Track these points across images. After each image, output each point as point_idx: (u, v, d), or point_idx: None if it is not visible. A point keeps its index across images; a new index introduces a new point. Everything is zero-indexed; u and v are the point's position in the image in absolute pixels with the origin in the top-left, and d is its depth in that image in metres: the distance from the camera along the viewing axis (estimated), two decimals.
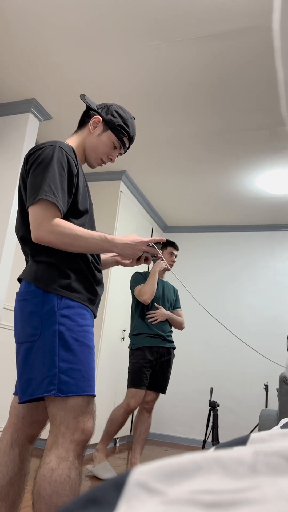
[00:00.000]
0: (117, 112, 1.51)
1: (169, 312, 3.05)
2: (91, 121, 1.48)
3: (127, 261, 1.50)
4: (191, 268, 5.35)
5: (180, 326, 3.16)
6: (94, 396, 1.25)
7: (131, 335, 3.03)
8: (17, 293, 1.31)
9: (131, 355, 2.99)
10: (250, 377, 4.73)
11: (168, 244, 3.21)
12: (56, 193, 1.24)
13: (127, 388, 2.91)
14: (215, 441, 3.48)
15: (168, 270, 3.18)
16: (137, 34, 2.52)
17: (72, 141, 1.49)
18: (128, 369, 2.97)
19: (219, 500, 0.24)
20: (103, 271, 3.89)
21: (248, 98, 2.96)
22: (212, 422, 3.53)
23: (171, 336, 3.08)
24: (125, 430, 4.37)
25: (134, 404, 2.83)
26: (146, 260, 1.44)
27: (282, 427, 0.59)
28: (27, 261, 1.37)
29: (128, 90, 3.02)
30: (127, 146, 1.53)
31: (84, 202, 1.38)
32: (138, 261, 1.46)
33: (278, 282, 4.95)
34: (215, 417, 3.55)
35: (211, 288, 5.18)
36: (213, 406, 3.61)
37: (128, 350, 3.09)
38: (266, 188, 4.21)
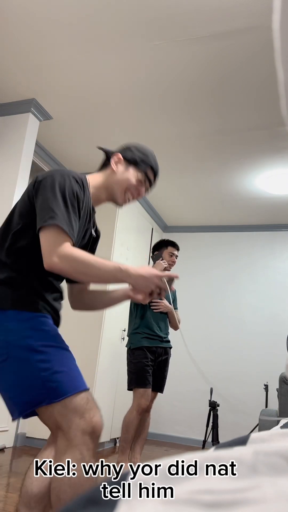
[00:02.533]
0: (136, 148, 1.50)
1: (171, 307, 3.07)
2: (112, 160, 1.45)
3: (140, 296, 1.40)
4: (191, 268, 5.35)
5: (176, 326, 3.18)
6: (88, 389, 1.26)
7: (129, 334, 3.04)
8: None
9: (131, 354, 2.99)
10: (250, 377, 4.73)
11: (169, 244, 3.22)
12: (69, 222, 1.23)
13: (133, 388, 2.91)
14: (215, 441, 3.48)
15: (168, 270, 3.18)
16: (137, 34, 2.52)
17: (93, 178, 1.46)
18: (130, 369, 2.97)
19: (219, 500, 0.24)
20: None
21: (248, 98, 2.96)
22: (212, 422, 3.53)
23: (168, 336, 3.10)
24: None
25: (144, 403, 2.85)
26: (159, 295, 1.37)
27: (282, 427, 0.59)
28: None
29: (128, 90, 3.02)
30: (153, 180, 1.51)
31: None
32: (150, 295, 1.37)
33: (278, 282, 4.95)
34: (215, 417, 3.55)
35: (211, 288, 5.18)
36: (213, 406, 3.61)
37: (126, 348, 3.09)
38: (266, 188, 4.21)
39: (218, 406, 3.66)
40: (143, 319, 3.01)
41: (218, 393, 4.75)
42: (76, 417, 1.18)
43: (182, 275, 5.40)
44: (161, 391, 3.04)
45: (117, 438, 4.22)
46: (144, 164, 1.47)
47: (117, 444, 4.23)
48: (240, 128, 3.30)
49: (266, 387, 4.25)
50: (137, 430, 2.96)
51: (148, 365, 2.91)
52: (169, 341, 3.10)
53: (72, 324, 3.90)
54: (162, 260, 3.09)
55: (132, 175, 1.45)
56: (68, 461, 1.15)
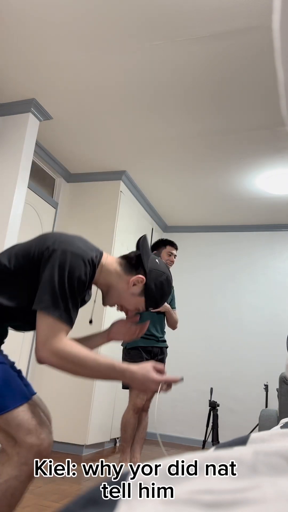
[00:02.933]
0: (162, 284, 1.41)
1: (168, 306, 3.08)
2: (134, 278, 1.37)
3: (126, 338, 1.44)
4: (191, 268, 5.35)
5: (174, 325, 3.19)
6: (29, 399, 1.24)
7: None
8: None
9: (126, 354, 3.01)
10: (250, 377, 4.73)
11: (167, 243, 3.21)
12: (70, 315, 1.21)
13: (129, 388, 2.92)
14: (215, 441, 3.48)
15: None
16: (137, 34, 2.52)
17: (109, 265, 1.39)
18: None
19: (219, 500, 0.24)
20: None
21: (248, 98, 2.96)
22: (212, 422, 3.53)
23: (164, 336, 3.12)
24: None
25: (140, 403, 2.89)
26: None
27: (282, 427, 0.59)
28: None
29: (128, 90, 3.02)
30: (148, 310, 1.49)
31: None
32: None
33: (278, 282, 4.95)
34: (215, 417, 3.55)
35: (211, 288, 5.18)
36: (213, 406, 3.61)
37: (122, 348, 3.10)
38: (266, 188, 4.21)
39: (218, 406, 3.66)
40: (139, 319, 2.99)
41: (218, 393, 4.75)
42: (21, 433, 1.18)
43: (182, 275, 5.43)
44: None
45: (117, 438, 4.22)
46: (154, 304, 1.44)
47: (117, 444, 4.23)
48: (240, 128, 3.30)
49: (266, 387, 4.25)
50: (135, 429, 2.97)
51: None
52: (165, 341, 3.11)
53: None
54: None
55: (138, 304, 1.42)
56: (5, 473, 1.16)
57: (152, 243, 3.32)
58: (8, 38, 2.66)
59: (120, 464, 2.87)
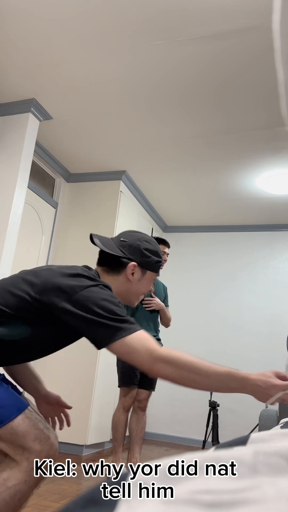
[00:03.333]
0: (147, 250, 1.41)
1: (163, 304, 3.09)
2: (128, 271, 1.38)
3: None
4: (191, 268, 5.35)
5: (168, 323, 3.20)
6: (28, 406, 1.24)
7: None
8: None
9: None
10: None
11: (160, 242, 3.20)
12: (126, 319, 1.19)
13: (119, 387, 2.95)
14: (215, 441, 3.48)
15: (161, 268, 3.16)
16: (137, 34, 2.52)
17: (106, 279, 1.41)
18: (118, 367, 3.00)
19: (219, 500, 0.24)
20: None
21: (248, 98, 2.96)
22: (212, 422, 3.53)
23: (158, 335, 3.13)
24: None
25: (128, 401, 2.91)
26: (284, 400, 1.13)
27: (282, 427, 0.59)
28: None
29: (128, 90, 3.02)
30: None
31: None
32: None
33: (278, 282, 4.95)
34: (215, 417, 3.55)
35: (211, 288, 5.18)
36: (213, 406, 3.61)
37: None
38: (266, 188, 4.21)
39: (218, 406, 3.66)
40: (134, 318, 3.02)
41: (218, 393, 4.75)
42: (29, 440, 1.17)
43: (182, 274, 5.43)
44: (153, 388, 3.05)
45: None
46: (158, 263, 1.43)
47: None
48: (240, 128, 3.30)
49: None
50: (134, 430, 2.97)
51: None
52: (159, 339, 3.12)
53: None
54: None
55: (148, 281, 1.42)
56: (10, 478, 1.15)
57: None
58: (8, 38, 2.66)
59: (112, 464, 2.86)
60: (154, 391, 3.10)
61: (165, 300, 3.25)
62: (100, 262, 1.43)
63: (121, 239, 1.44)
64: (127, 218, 4.37)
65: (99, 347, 1.14)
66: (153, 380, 3.03)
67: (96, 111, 3.30)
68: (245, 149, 3.58)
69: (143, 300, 3.00)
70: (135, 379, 2.92)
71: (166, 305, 3.24)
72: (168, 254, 3.22)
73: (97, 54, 2.71)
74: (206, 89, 2.92)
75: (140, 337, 1.12)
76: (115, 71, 2.84)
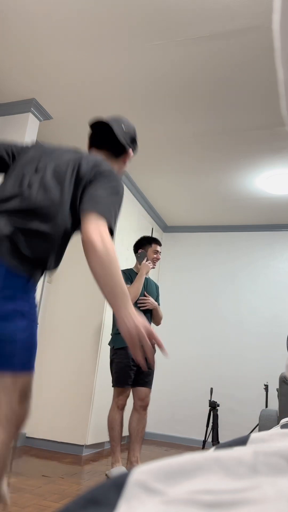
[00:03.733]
0: (136, 138, 1.66)
1: (156, 303, 3.14)
2: (127, 158, 1.63)
3: None
4: (191, 268, 5.35)
5: (159, 321, 3.25)
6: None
7: (114, 334, 3.07)
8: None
9: (113, 354, 3.04)
10: (250, 377, 4.73)
11: (153, 241, 3.22)
12: (115, 222, 1.30)
13: (113, 387, 2.98)
14: (215, 441, 3.48)
15: (154, 268, 3.25)
16: (137, 34, 2.52)
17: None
18: (112, 367, 3.02)
19: (219, 500, 0.24)
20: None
21: (248, 98, 2.96)
22: (212, 422, 3.53)
23: None
24: (124, 431, 4.37)
25: (123, 401, 2.93)
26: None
27: (282, 427, 0.58)
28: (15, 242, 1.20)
29: (128, 90, 3.02)
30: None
31: None
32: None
33: (278, 282, 4.95)
34: (215, 417, 3.55)
35: (211, 288, 5.18)
36: (213, 406, 3.61)
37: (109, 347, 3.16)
38: (266, 188, 4.21)
39: (218, 406, 3.66)
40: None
41: (218, 393, 4.75)
42: (27, 398, 1.21)
43: (182, 274, 5.42)
44: (149, 386, 3.07)
45: None
46: (137, 144, 1.69)
47: None
48: (240, 128, 3.30)
49: (266, 387, 4.25)
50: (134, 429, 2.96)
51: (129, 365, 2.95)
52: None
53: (73, 323, 3.90)
54: (147, 260, 3.14)
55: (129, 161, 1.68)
56: None
57: (136, 242, 3.33)
58: (8, 38, 2.66)
59: (114, 465, 2.86)
60: (151, 389, 3.11)
61: (157, 299, 3.29)
62: (101, 145, 1.59)
63: (124, 129, 1.59)
64: (127, 218, 4.37)
65: (92, 208, 1.24)
66: (149, 378, 3.06)
67: (96, 111, 3.30)
68: (245, 149, 3.58)
69: (138, 299, 3.05)
70: (129, 379, 2.94)
71: (158, 303, 3.27)
72: (160, 252, 3.26)
73: (97, 54, 2.71)
74: (206, 89, 2.92)
75: (106, 228, 1.23)
76: (115, 71, 2.84)
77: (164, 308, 5.27)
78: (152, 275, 5.16)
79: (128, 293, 1.19)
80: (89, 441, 3.57)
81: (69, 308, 3.97)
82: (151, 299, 3.11)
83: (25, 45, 2.70)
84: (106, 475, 2.93)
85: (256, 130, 3.30)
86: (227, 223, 5.27)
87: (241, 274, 5.12)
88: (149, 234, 5.02)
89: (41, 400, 3.76)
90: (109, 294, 1.18)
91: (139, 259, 3.18)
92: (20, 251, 1.20)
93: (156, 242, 3.24)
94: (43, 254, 1.25)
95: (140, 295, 3.11)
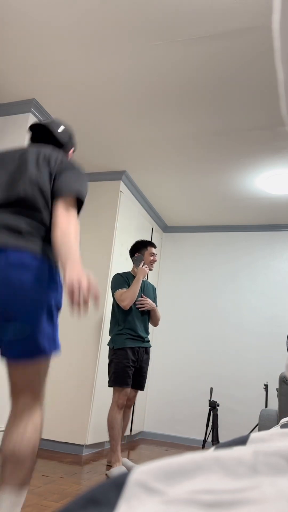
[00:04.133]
0: (72, 134, 1.89)
1: (154, 304, 3.24)
2: (70, 155, 1.88)
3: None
4: (191, 268, 5.35)
5: (157, 322, 3.37)
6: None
7: (113, 335, 3.16)
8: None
9: (113, 354, 3.11)
10: (250, 377, 4.73)
11: (148, 245, 3.33)
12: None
13: (114, 387, 3.04)
14: (215, 441, 3.48)
15: (151, 270, 3.36)
16: (137, 34, 2.52)
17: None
18: (111, 368, 3.09)
19: (219, 499, 0.24)
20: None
21: (248, 98, 2.96)
22: (212, 422, 3.53)
23: (148, 337, 3.26)
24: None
25: (122, 401, 3.01)
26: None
27: (282, 427, 0.58)
28: (18, 231, 1.43)
29: (128, 90, 3.02)
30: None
31: None
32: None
33: (278, 282, 4.95)
34: (215, 417, 3.55)
35: (211, 288, 5.18)
36: (213, 406, 3.61)
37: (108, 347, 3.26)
38: (266, 188, 4.21)
39: (218, 406, 3.66)
40: (127, 321, 3.15)
41: (218, 393, 4.75)
42: (43, 384, 1.44)
43: (181, 274, 5.43)
44: (142, 389, 3.21)
45: None
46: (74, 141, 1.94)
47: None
48: (240, 128, 3.30)
49: (266, 387, 4.25)
50: (121, 426, 3.09)
51: (128, 365, 3.04)
52: (149, 341, 3.26)
53: (72, 323, 3.90)
54: (143, 265, 3.25)
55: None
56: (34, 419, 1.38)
57: (131, 246, 3.43)
58: (8, 38, 2.66)
59: (114, 464, 2.91)
60: (143, 391, 3.29)
61: (154, 301, 3.38)
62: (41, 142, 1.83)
63: (61, 126, 1.84)
64: (127, 218, 4.37)
65: (68, 190, 1.51)
66: (143, 380, 3.19)
67: (96, 111, 3.30)
68: (245, 149, 3.58)
69: (136, 301, 3.14)
70: (129, 379, 3.02)
71: (156, 305, 3.36)
72: (156, 254, 3.35)
73: (97, 54, 2.71)
74: (206, 89, 2.92)
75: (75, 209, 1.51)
76: (115, 71, 2.84)
77: (164, 308, 5.27)
78: (152, 275, 5.16)
79: (78, 254, 1.39)
80: (89, 441, 3.57)
81: (69, 309, 3.97)
82: (149, 300, 3.20)
83: (25, 46, 2.70)
84: (106, 474, 2.95)
85: (256, 130, 3.30)
86: (227, 223, 5.27)
87: (241, 274, 5.12)
88: (149, 234, 5.02)
89: None
90: (63, 252, 1.37)
91: (136, 263, 3.26)
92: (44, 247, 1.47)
93: (152, 244, 3.33)
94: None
95: (138, 297, 3.20)
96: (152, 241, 5.09)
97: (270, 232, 5.15)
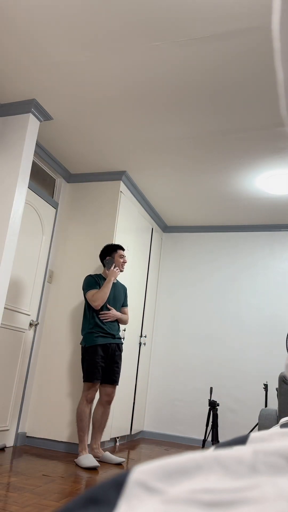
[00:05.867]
0: (106, 252, 2.57)
1: (119, 313, 3.47)
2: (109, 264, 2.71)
3: None
4: (191, 268, 5.35)
5: (125, 323, 3.62)
6: None
7: (84, 334, 3.39)
8: None
9: (84, 351, 3.36)
10: (249, 376, 4.73)
11: (117, 248, 3.57)
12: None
13: (83, 382, 3.31)
14: (215, 441, 3.48)
15: (122, 271, 3.59)
16: (137, 34, 2.52)
17: None
18: (83, 365, 3.34)
19: (219, 499, 0.25)
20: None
21: (248, 99, 2.96)
22: (212, 422, 3.53)
23: (119, 334, 3.49)
24: (124, 430, 4.37)
25: (91, 395, 3.27)
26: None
27: (281, 426, 0.58)
28: None
29: (128, 91, 3.02)
30: None
31: None
32: None
33: (278, 282, 4.95)
34: (215, 417, 3.55)
35: (211, 288, 5.18)
36: (213, 405, 3.61)
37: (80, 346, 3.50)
38: (266, 188, 4.21)
39: (218, 405, 3.66)
40: (97, 320, 3.38)
41: (218, 393, 4.75)
42: None
43: (181, 275, 5.42)
44: (116, 383, 3.42)
45: (117, 437, 4.22)
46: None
47: (117, 444, 4.23)
48: (240, 128, 3.30)
49: (266, 387, 4.25)
50: (98, 420, 3.39)
51: (98, 362, 3.28)
52: (120, 338, 3.48)
53: (72, 323, 3.90)
54: (115, 267, 3.48)
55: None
56: None
57: (102, 250, 3.65)
58: (8, 38, 2.66)
59: (81, 453, 3.19)
60: (118, 385, 3.50)
61: (124, 300, 3.63)
62: None
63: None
64: (127, 218, 4.37)
65: None
66: (116, 375, 3.41)
67: (96, 112, 3.30)
68: (245, 149, 3.58)
69: (100, 313, 3.39)
70: (98, 374, 3.26)
71: (125, 305, 3.62)
72: (125, 256, 3.60)
73: (97, 54, 2.71)
74: (206, 89, 2.92)
75: None
76: (115, 71, 2.84)
77: (164, 308, 5.27)
78: (153, 275, 5.16)
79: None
80: (89, 441, 3.57)
81: (69, 308, 3.97)
82: (112, 312, 3.41)
83: (26, 46, 2.70)
84: (74, 462, 3.19)
85: (256, 130, 3.30)
86: (227, 223, 5.27)
87: (241, 274, 5.12)
88: (149, 234, 5.03)
89: (41, 399, 3.76)
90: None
91: (107, 266, 3.51)
92: None
93: (120, 248, 3.58)
94: None
95: (108, 300, 3.44)
96: (152, 241, 5.09)
97: (270, 232, 5.15)
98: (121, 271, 3.53)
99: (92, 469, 3.06)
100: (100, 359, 3.28)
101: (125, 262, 3.55)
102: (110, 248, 3.57)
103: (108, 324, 3.40)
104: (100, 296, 3.33)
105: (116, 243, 4.09)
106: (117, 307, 3.51)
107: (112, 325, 3.42)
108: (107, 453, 3.35)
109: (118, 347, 3.44)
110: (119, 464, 3.31)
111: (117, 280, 3.59)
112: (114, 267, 3.45)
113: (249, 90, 2.87)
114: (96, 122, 3.44)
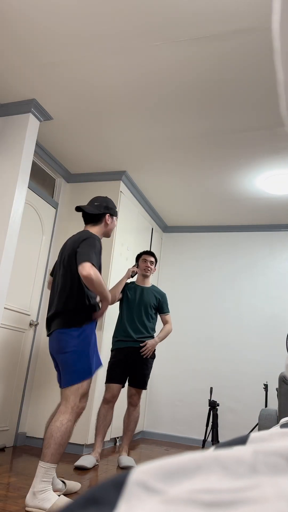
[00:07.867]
0: (111, 204, 2.63)
1: (154, 340, 3.41)
2: (106, 220, 2.57)
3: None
4: (191, 268, 5.35)
5: (168, 333, 3.58)
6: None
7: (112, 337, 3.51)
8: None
9: (112, 355, 3.44)
10: (249, 376, 4.73)
11: (142, 253, 3.63)
12: (95, 258, 2.28)
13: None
14: (215, 441, 3.48)
15: (145, 274, 3.58)
16: (137, 34, 2.52)
17: (94, 231, 2.53)
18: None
19: (219, 499, 0.25)
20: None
21: (247, 99, 2.96)
22: (212, 422, 3.53)
23: (142, 337, 3.42)
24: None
25: (107, 395, 3.26)
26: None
27: (281, 426, 0.59)
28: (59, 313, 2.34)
29: (128, 90, 3.02)
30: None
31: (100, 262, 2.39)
32: None
33: (278, 282, 4.95)
34: (215, 417, 3.55)
35: (211, 288, 5.18)
36: (213, 405, 3.61)
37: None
38: (266, 188, 4.21)
39: (218, 405, 3.66)
40: (118, 324, 3.45)
41: (218, 393, 4.75)
42: (84, 395, 2.34)
43: (181, 275, 5.43)
44: (142, 387, 3.37)
45: (117, 437, 4.22)
46: (116, 212, 2.65)
47: (117, 444, 4.23)
48: (240, 128, 3.30)
49: (266, 387, 4.25)
50: (124, 423, 3.37)
51: (115, 364, 3.32)
52: (143, 341, 3.40)
53: None
54: (133, 272, 3.53)
55: (115, 223, 2.65)
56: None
57: (139, 253, 3.72)
58: (8, 38, 2.66)
59: (92, 457, 3.15)
60: (145, 389, 3.43)
61: (162, 307, 3.57)
62: (86, 222, 2.57)
63: (95, 203, 2.57)
64: (127, 218, 4.37)
65: (79, 261, 2.26)
66: (141, 379, 3.35)
67: (96, 112, 3.30)
68: (244, 149, 3.58)
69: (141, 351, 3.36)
70: (115, 376, 3.28)
71: (165, 312, 3.58)
72: (151, 262, 3.57)
73: (97, 54, 2.71)
74: (205, 89, 2.92)
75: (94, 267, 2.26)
76: (114, 71, 2.84)
77: None
78: (153, 275, 5.16)
79: (107, 294, 2.36)
80: (89, 441, 3.57)
81: None
82: (149, 344, 3.36)
83: (25, 46, 2.70)
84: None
85: (255, 130, 3.30)
86: (227, 223, 5.27)
87: (241, 274, 5.12)
88: (149, 234, 5.03)
89: (41, 399, 3.76)
90: (100, 295, 2.36)
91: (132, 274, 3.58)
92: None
93: (145, 252, 3.63)
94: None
95: (131, 302, 3.45)
96: (152, 241, 5.09)
97: (270, 232, 5.15)
98: (143, 274, 3.54)
99: (80, 469, 3.02)
100: (117, 362, 3.33)
101: (148, 267, 3.53)
102: (137, 256, 3.66)
103: (128, 327, 3.39)
104: (110, 293, 3.32)
105: (116, 243, 4.09)
106: (142, 311, 3.45)
107: (133, 328, 3.40)
108: (123, 456, 3.30)
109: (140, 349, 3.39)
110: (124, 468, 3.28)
111: (148, 286, 3.57)
112: (132, 269, 3.51)
113: (249, 90, 2.88)
114: (96, 122, 3.44)
